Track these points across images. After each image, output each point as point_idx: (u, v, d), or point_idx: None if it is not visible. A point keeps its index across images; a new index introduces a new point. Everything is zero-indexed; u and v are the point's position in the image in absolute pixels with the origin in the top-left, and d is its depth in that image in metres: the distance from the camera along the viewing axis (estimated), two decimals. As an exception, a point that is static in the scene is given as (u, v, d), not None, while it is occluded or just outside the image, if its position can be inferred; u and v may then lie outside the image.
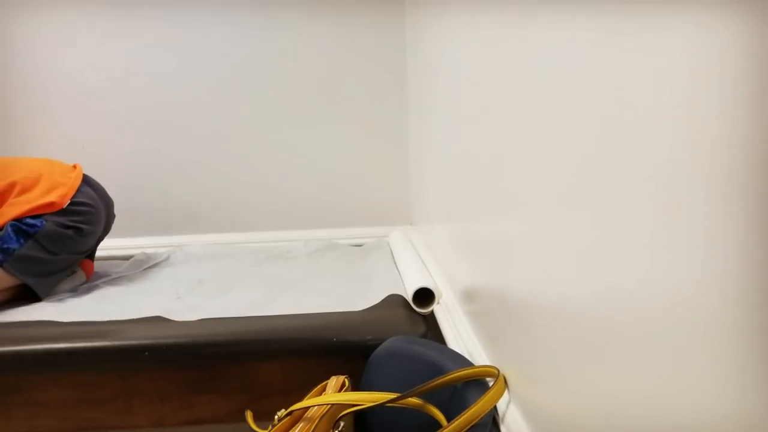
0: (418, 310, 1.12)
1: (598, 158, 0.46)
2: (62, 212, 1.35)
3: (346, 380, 0.84)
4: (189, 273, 1.47)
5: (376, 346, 0.94)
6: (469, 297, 0.98)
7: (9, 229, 1.30)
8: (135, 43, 1.74)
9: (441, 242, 1.28)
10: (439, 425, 0.70)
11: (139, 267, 1.56)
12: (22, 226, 1.30)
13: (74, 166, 1.48)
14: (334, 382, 0.85)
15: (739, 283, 0.31)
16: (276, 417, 0.75)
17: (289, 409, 0.76)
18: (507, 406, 0.72)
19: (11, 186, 1.35)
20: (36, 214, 1.33)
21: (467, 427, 0.65)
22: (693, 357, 0.35)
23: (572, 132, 0.51)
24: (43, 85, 1.73)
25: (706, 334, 0.33)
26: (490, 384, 0.72)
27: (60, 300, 1.27)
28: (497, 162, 0.77)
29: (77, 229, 1.37)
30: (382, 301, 1.16)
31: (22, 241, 1.29)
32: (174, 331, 1.06)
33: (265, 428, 0.74)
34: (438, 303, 1.13)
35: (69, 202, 1.37)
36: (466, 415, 0.65)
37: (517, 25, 0.66)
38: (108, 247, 1.59)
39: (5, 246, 1.28)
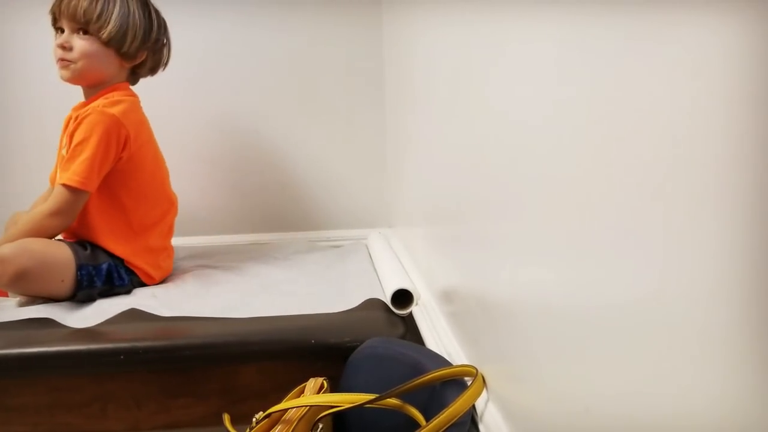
0: (396, 311, 1.12)
1: (576, 159, 0.47)
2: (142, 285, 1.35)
3: (325, 382, 0.84)
4: (165, 275, 1.46)
5: (354, 347, 0.94)
6: (448, 298, 0.99)
7: (105, 267, 1.27)
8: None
9: (419, 244, 1.28)
10: (418, 425, 0.70)
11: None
12: (114, 274, 1.28)
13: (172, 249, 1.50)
14: (312, 384, 0.84)
15: (720, 284, 0.31)
16: (254, 420, 0.75)
17: (267, 412, 0.75)
18: (485, 405, 0.72)
19: (155, 241, 1.38)
20: (133, 270, 1.32)
21: (446, 426, 0.65)
22: (671, 357, 0.35)
23: (552, 133, 0.52)
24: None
25: (683, 334, 0.34)
26: (469, 383, 0.73)
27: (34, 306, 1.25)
28: (476, 163, 0.77)
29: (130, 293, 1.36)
30: (360, 303, 1.16)
31: (102, 283, 1.26)
32: (150, 333, 1.05)
33: (243, 431, 0.74)
34: (416, 304, 1.13)
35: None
36: (444, 415, 0.65)
37: (496, 20, 0.66)
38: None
39: (93, 279, 1.25)
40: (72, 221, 1.25)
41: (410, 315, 1.14)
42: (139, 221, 1.34)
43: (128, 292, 1.30)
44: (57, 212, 1.22)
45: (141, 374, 1.03)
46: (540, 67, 0.53)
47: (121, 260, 1.30)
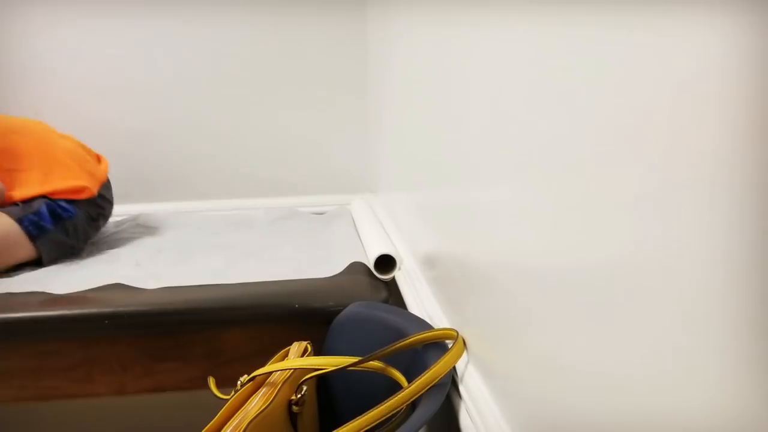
0: (379, 276, 1.14)
1: (554, 123, 0.47)
2: (89, 202, 1.36)
3: (309, 345, 0.85)
4: (148, 242, 1.45)
5: (338, 311, 0.95)
6: (430, 263, 1.00)
7: (44, 208, 1.28)
8: (105, 24, 1.68)
9: (402, 210, 1.29)
10: (400, 387, 0.71)
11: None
12: (57, 209, 1.29)
13: (99, 158, 1.48)
14: (296, 347, 0.85)
15: (697, 248, 0.32)
16: (239, 383, 0.76)
17: (252, 375, 0.76)
18: (466, 367, 0.74)
19: (49, 161, 1.34)
20: (69, 199, 1.32)
21: (427, 388, 0.66)
22: (648, 319, 0.36)
23: (530, 100, 0.52)
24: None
25: (661, 296, 0.35)
26: (450, 346, 0.74)
27: (14, 273, 1.24)
28: (457, 129, 0.78)
29: (96, 222, 1.39)
30: (344, 268, 1.17)
31: (52, 223, 1.27)
32: (135, 299, 1.05)
33: (228, 394, 0.75)
34: (399, 269, 1.14)
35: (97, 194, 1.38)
36: (425, 377, 0.67)
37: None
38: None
39: (42, 223, 1.26)
40: None
41: (393, 280, 1.15)
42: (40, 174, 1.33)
43: (88, 225, 1.34)
44: None
45: (126, 338, 1.04)
46: (518, 44, 0.53)
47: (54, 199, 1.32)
